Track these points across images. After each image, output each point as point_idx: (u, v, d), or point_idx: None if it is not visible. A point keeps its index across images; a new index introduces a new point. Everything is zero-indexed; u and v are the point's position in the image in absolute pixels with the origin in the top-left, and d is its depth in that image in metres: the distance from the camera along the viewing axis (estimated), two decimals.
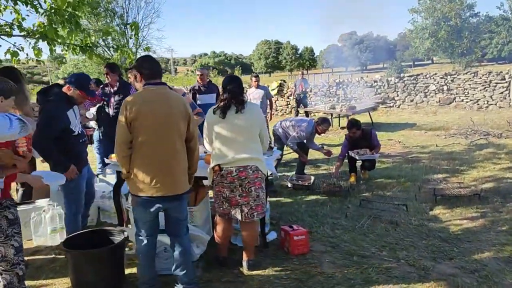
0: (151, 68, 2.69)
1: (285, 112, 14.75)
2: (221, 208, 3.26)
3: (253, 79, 8.10)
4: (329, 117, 10.91)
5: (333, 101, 12.87)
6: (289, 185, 5.77)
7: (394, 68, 29.90)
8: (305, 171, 6.31)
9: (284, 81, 15.68)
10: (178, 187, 2.69)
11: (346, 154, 5.93)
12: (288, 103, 14.63)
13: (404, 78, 13.53)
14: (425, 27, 32.42)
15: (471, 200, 4.84)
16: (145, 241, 2.76)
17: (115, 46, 5.67)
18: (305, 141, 6.01)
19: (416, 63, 60.65)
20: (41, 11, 4.44)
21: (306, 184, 5.70)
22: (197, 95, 6.30)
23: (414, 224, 4.24)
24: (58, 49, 5.23)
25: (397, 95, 13.50)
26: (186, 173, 2.78)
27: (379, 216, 4.50)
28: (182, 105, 2.71)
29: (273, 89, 14.80)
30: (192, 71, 52.26)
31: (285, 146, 6.09)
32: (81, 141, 3.47)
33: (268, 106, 8.16)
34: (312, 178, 5.87)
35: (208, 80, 6.52)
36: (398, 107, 13.38)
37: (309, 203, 5.08)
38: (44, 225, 3.89)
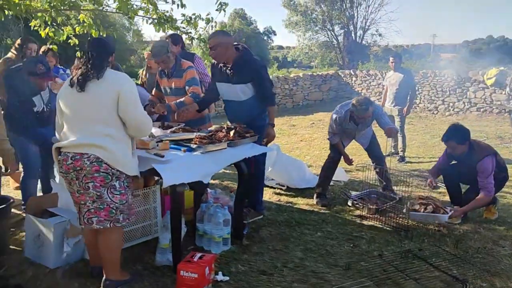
0: None
1: (504, 111, 11.07)
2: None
3: (390, 59, 6.33)
4: None
5: None
6: (349, 203, 4.21)
7: None
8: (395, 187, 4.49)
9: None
10: None
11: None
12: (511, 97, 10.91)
13: None
14: None
15: None
16: None
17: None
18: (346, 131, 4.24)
19: None
20: None
21: (368, 206, 3.99)
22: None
23: None
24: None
25: None
26: None
27: (397, 283, 2.68)
28: None
29: (490, 78, 11.40)
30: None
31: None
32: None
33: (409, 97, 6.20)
34: (392, 201, 4.06)
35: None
36: None
37: (338, 230, 3.55)
38: None
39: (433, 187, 4.06)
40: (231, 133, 3.04)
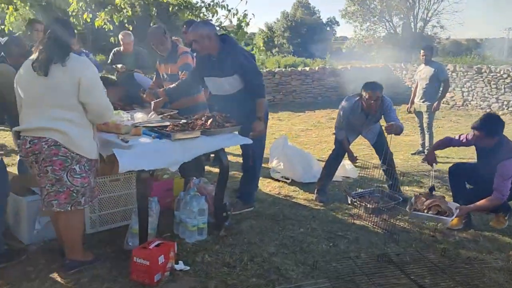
0: None
1: None
2: None
3: (421, 52, 5.91)
4: None
5: None
6: (349, 200, 4.02)
7: None
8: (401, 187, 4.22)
9: None
10: None
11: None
12: None
13: None
14: None
15: None
16: None
17: None
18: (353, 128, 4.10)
19: None
20: None
21: (366, 205, 3.78)
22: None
23: None
24: None
25: None
26: None
27: (358, 287, 2.53)
28: None
29: None
30: None
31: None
32: None
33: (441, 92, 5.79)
34: (394, 202, 3.81)
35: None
36: None
37: (324, 228, 3.41)
38: None
39: (430, 163, 3.87)
40: (209, 121, 3.01)
